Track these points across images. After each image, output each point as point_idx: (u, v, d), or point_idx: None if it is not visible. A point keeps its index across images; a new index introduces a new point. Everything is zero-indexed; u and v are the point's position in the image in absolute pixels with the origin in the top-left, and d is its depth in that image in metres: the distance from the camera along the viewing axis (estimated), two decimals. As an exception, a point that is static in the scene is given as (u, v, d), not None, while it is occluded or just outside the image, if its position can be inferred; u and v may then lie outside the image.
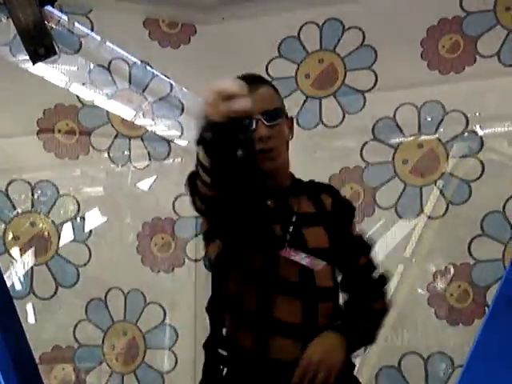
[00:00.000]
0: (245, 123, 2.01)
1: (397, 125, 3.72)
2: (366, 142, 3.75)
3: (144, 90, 4.01)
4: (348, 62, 3.80)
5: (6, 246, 3.79)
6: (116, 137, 3.98)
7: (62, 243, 3.87)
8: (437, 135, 3.65)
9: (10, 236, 3.80)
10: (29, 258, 3.82)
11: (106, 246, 3.92)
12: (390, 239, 3.67)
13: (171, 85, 4.03)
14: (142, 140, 4.02)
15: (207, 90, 1.80)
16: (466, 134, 3.61)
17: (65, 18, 3.87)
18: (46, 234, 3.85)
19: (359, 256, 2.41)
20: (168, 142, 4.04)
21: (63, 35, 3.85)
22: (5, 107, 3.85)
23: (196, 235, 3.98)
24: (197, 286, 4.02)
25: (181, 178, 4.00)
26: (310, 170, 3.49)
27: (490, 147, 3.59)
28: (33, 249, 3.83)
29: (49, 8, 3.64)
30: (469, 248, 3.52)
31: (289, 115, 2.44)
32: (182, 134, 4.06)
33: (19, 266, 3.81)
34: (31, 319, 3.81)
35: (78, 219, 3.90)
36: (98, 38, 3.95)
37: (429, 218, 3.62)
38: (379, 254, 3.52)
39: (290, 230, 2.28)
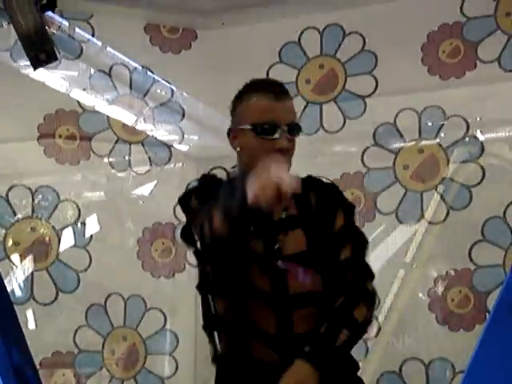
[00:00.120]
0: (269, 130, 2.20)
1: (397, 130, 3.72)
2: (367, 148, 3.75)
3: (145, 96, 4.01)
4: (348, 67, 3.80)
5: (6, 251, 3.79)
6: (117, 142, 3.98)
7: (62, 248, 3.87)
8: (437, 140, 3.65)
9: (11, 241, 3.80)
10: (29, 263, 3.82)
11: (106, 251, 3.92)
12: (390, 244, 3.66)
13: (172, 90, 4.04)
14: (143, 145, 4.02)
15: (263, 180, 1.87)
16: (466, 139, 3.61)
17: (66, 23, 3.87)
18: (46, 239, 3.85)
19: (340, 249, 2.25)
20: (169, 147, 4.04)
21: (64, 41, 3.85)
22: (6, 112, 3.85)
23: (197, 240, 3.98)
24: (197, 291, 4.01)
25: (181, 183, 4.03)
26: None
27: (491, 152, 3.59)
28: (33, 254, 3.83)
29: (50, 14, 3.65)
30: (469, 253, 3.52)
31: None
32: (182, 139, 4.06)
33: (19, 272, 3.81)
34: (31, 324, 3.80)
35: (79, 224, 3.90)
36: (99, 43, 3.96)
37: (429, 223, 3.62)
38: (380, 259, 3.53)
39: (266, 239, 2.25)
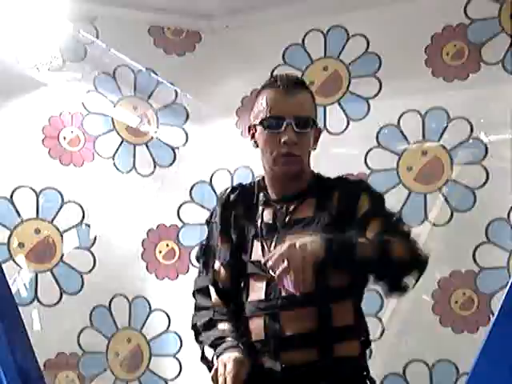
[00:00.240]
0: (275, 124, 2.21)
1: (401, 132, 3.72)
2: (371, 149, 3.75)
3: (149, 97, 4.02)
4: (352, 69, 3.81)
5: (10, 252, 3.80)
6: (121, 144, 3.99)
7: (66, 250, 3.87)
8: (441, 142, 3.64)
9: (15, 243, 3.80)
10: (33, 264, 3.82)
11: (110, 253, 3.93)
12: (394, 246, 3.65)
13: (176, 92, 4.05)
14: (147, 147, 4.03)
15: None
16: (470, 140, 3.61)
17: (70, 25, 3.88)
18: (50, 240, 3.86)
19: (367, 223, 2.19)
20: (173, 149, 4.05)
21: (69, 43, 3.87)
22: (11, 114, 3.86)
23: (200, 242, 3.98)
24: (201, 293, 4.01)
25: (186, 185, 4.03)
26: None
27: (495, 154, 3.59)
28: (37, 256, 3.83)
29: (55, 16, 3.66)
30: (473, 255, 3.52)
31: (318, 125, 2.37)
32: (186, 141, 4.06)
33: (24, 273, 3.81)
34: (36, 326, 3.80)
35: (83, 226, 3.91)
36: (104, 45, 3.97)
37: (433, 225, 3.62)
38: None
39: (274, 239, 2.24)
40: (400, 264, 2.13)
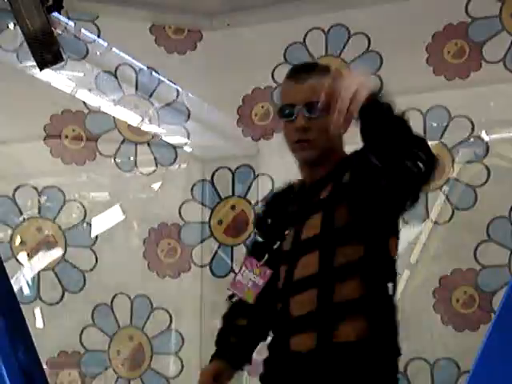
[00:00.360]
0: (288, 112, 2.22)
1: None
2: (372, 148, 3.75)
3: (150, 96, 4.02)
4: (354, 67, 3.80)
5: (13, 251, 3.80)
6: (122, 142, 3.99)
7: (68, 249, 3.88)
8: (442, 141, 3.64)
9: (17, 241, 3.81)
10: (35, 263, 3.83)
11: (112, 251, 3.93)
12: (395, 245, 3.66)
13: (177, 91, 4.05)
14: (149, 146, 4.03)
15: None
16: (471, 139, 3.61)
17: (72, 24, 3.89)
18: (52, 239, 3.86)
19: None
20: (174, 147, 4.05)
21: (70, 41, 3.86)
22: (12, 113, 3.87)
23: (202, 241, 3.99)
24: (203, 291, 4.02)
25: (187, 183, 4.04)
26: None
27: (496, 153, 3.59)
28: (39, 254, 3.84)
29: (56, 14, 3.65)
30: (475, 253, 3.52)
31: None
32: (188, 139, 4.07)
33: (26, 271, 3.82)
34: (38, 324, 3.81)
35: (85, 225, 3.92)
36: (105, 44, 3.97)
37: (434, 223, 3.62)
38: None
39: (295, 228, 2.27)
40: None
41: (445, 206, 3.61)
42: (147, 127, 4.03)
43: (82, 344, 3.87)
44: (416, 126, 3.64)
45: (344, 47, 3.83)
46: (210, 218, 3.98)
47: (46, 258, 3.85)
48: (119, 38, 3.99)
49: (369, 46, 3.77)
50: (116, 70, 3.97)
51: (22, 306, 2.54)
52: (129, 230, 3.99)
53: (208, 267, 3.97)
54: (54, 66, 3.59)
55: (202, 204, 4.01)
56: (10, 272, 3.00)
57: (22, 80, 3.83)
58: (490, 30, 3.58)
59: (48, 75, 3.82)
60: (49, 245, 3.85)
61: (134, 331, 3.94)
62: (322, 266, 2.16)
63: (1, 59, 3.84)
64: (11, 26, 3.68)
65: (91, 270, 3.88)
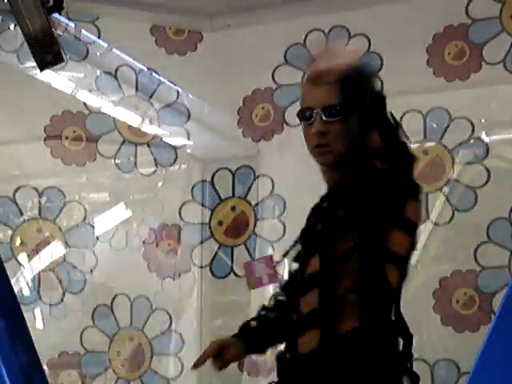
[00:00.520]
0: (307, 116, 2.19)
1: (402, 131, 3.71)
2: (372, 149, 3.75)
3: (151, 97, 4.02)
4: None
5: (13, 252, 3.81)
6: (123, 143, 3.99)
7: (68, 249, 3.88)
8: (442, 142, 3.64)
9: (18, 242, 3.81)
10: (36, 264, 3.83)
11: (112, 252, 3.93)
12: (395, 246, 3.66)
13: (178, 91, 4.05)
14: (149, 146, 4.03)
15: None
16: (471, 140, 3.61)
17: (72, 25, 3.89)
18: (52, 240, 3.86)
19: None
20: (174, 148, 4.05)
21: (70, 42, 3.87)
22: (13, 114, 3.87)
23: (202, 242, 3.99)
24: (203, 292, 4.02)
25: (187, 184, 4.04)
26: (317, 177, 3.51)
27: (496, 154, 3.59)
28: (40, 255, 3.84)
29: (56, 16, 3.66)
30: (475, 255, 3.52)
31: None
32: (188, 140, 4.07)
33: (26, 272, 3.82)
34: (38, 325, 3.82)
35: (85, 225, 3.92)
36: (105, 45, 3.97)
37: (435, 224, 3.62)
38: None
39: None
40: None
41: (445, 207, 3.61)
42: (147, 128, 4.03)
43: (82, 345, 3.87)
44: (416, 127, 3.68)
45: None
46: (210, 219, 3.98)
47: (46, 258, 3.85)
48: (119, 38, 4.00)
49: (369, 47, 3.77)
50: (116, 71, 3.97)
51: (22, 306, 2.55)
52: (129, 230, 3.99)
53: (208, 268, 3.97)
54: (55, 67, 3.60)
55: (202, 205, 4.01)
56: (10, 273, 3.01)
57: (23, 81, 3.84)
58: (490, 32, 3.58)
59: (48, 76, 3.82)
60: (49, 246, 3.86)
61: (134, 332, 3.94)
62: (323, 264, 2.16)
63: (1, 60, 3.84)
64: (12, 26, 3.68)
65: (91, 270, 3.88)
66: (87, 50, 3.94)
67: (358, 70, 2.22)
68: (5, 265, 2.48)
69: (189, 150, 4.09)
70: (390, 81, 3.73)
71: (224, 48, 4.03)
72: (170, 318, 3.96)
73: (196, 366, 2.33)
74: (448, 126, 3.63)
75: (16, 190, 3.83)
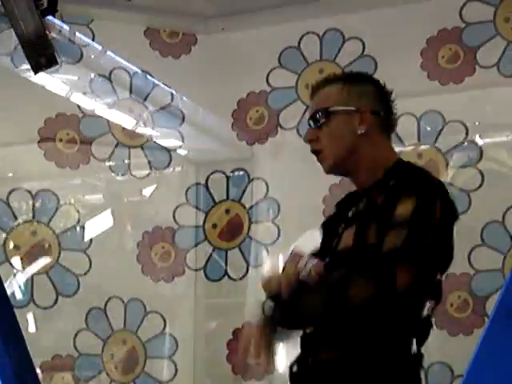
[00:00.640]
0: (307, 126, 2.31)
1: (396, 134, 3.71)
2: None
3: (145, 100, 4.02)
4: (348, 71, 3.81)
5: (6, 254, 3.80)
6: (116, 146, 3.99)
7: (62, 252, 3.87)
8: (436, 145, 3.65)
9: (11, 245, 3.81)
10: (29, 267, 3.82)
11: (106, 255, 3.93)
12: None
13: (172, 94, 4.05)
14: (143, 149, 4.03)
15: None
16: (465, 143, 3.62)
17: (66, 27, 3.89)
18: (46, 243, 3.86)
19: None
20: (168, 151, 4.05)
21: (64, 45, 3.86)
22: (6, 116, 3.86)
23: (196, 245, 3.99)
24: (197, 295, 4.02)
25: (181, 187, 4.04)
26: (311, 180, 3.52)
27: (490, 157, 3.60)
28: (33, 258, 3.83)
29: (50, 18, 3.66)
30: (468, 258, 3.52)
31: (358, 108, 2.26)
32: (182, 143, 4.07)
33: (20, 275, 3.81)
34: (32, 328, 3.81)
35: (79, 228, 3.91)
36: (99, 47, 3.97)
37: (429, 227, 3.62)
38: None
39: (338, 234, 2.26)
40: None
41: (439, 211, 3.61)
42: (141, 131, 4.03)
43: (75, 348, 3.86)
44: (410, 130, 3.69)
45: (339, 52, 3.84)
46: (204, 222, 3.98)
47: (39, 261, 3.84)
48: (114, 41, 4.00)
49: (363, 51, 3.78)
50: (110, 74, 3.97)
51: (15, 309, 2.53)
52: (123, 233, 3.99)
53: (202, 271, 3.97)
54: (49, 70, 3.60)
55: (197, 208, 4.01)
56: (3, 276, 3.01)
57: (17, 83, 3.83)
58: (484, 35, 3.59)
59: (42, 78, 3.82)
60: (43, 248, 3.85)
61: (127, 335, 3.94)
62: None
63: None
64: (6, 29, 3.67)
65: (85, 273, 3.88)
66: (81, 53, 3.93)
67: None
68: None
69: (183, 153, 4.09)
70: (384, 84, 3.75)
71: (218, 51, 4.03)
72: (164, 320, 3.96)
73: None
74: (442, 129, 3.64)
75: (9, 193, 3.82)
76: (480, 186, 3.55)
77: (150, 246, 3.99)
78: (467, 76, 3.63)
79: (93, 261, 3.88)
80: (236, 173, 3.99)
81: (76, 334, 3.86)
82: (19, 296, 3.81)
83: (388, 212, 2.08)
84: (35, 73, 3.57)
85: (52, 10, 3.57)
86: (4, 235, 3.79)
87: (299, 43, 3.90)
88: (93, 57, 3.96)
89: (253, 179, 3.95)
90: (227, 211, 3.98)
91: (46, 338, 3.79)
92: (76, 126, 3.94)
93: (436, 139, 3.66)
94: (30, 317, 3.79)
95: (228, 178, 4.01)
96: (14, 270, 3.79)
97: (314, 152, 2.30)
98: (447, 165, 3.62)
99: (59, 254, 3.87)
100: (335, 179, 3.70)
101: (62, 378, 3.87)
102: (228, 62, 4.00)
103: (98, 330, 3.90)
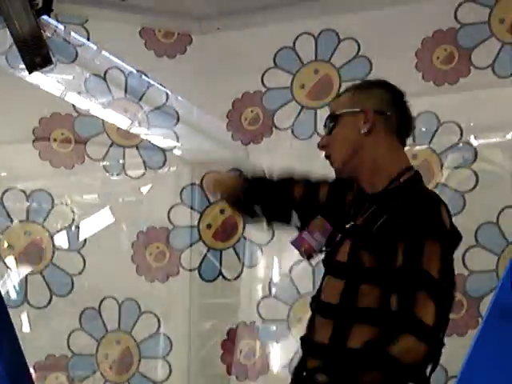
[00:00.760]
0: None
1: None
2: (361, 152, 3.75)
3: (140, 100, 4.02)
4: (343, 72, 3.81)
5: (0, 254, 3.79)
6: (111, 146, 3.99)
7: (56, 252, 3.87)
8: (431, 146, 3.65)
9: (5, 245, 3.80)
10: (23, 266, 3.82)
11: (100, 255, 3.93)
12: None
13: (167, 94, 4.04)
14: (138, 149, 4.02)
15: None
16: (460, 144, 3.62)
17: (61, 27, 3.88)
18: (40, 242, 3.85)
19: (391, 293, 2.06)
20: (163, 151, 4.05)
21: (59, 45, 3.86)
22: (1, 116, 3.86)
23: (191, 245, 3.98)
24: (191, 295, 4.02)
25: (176, 187, 4.03)
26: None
27: (484, 158, 3.60)
28: (27, 258, 3.83)
29: (45, 18, 3.66)
30: (463, 259, 3.52)
31: (362, 109, 2.26)
32: (177, 143, 4.06)
33: (14, 275, 3.81)
34: (25, 328, 3.81)
35: (73, 228, 3.91)
36: (94, 47, 3.97)
37: (423, 228, 3.62)
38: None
39: (337, 239, 2.26)
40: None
41: (433, 211, 3.61)
42: (136, 130, 4.03)
43: (69, 348, 3.86)
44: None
45: (334, 52, 3.84)
46: (198, 222, 3.98)
47: (33, 261, 3.84)
48: (109, 41, 3.99)
49: (358, 51, 3.78)
50: (105, 74, 3.97)
51: (9, 309, 2.53)
52: (117, 233, 3.99)
53: (197, 271, 3.97)
54: (44, 69, 3.60)
55: (191, 208, 4.01)
56: (-3, 275, 3.01)
57: (11, 83, 3.83)
58: (479, 36, 3.59)
59: (37, 78, 3.81)
60: (37, 248, 3.84)
61: (121, 335, 3.93)
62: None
63: (-10, 62, 3.83)
64: (1, 28, 3.66)
65: (79, 273, 3.87)
66: (76, 53, 3.93)
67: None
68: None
69: (178, 153, 4.09)
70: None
71: (213, 51, 4.03)
72: (159, 321, 3.95)
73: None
74: (437, 130, 3.64)
75: (4, 193, 3.82)
76: (474, 186, 3.55)
77: (145, 246, 3.99)
78: (462, 77, 3.63)
79: (87, 261, 3.88)
80: (231, 172, 3.99)
81: (70, 334, 3.86)
82: (13, 296, 3.80)
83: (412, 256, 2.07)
84: (30, 72, 3.57)
85: (47, 9, 3.57)
86: (-2, 235, 3.79)
87: (294, 43, 3.90)
88: (88, 56, 3.96)
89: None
90: (222, 211, 3.97)
91: (39, 337, 3.78)
92: (71, 125, 3.94)
93: (431, 140, 3.65)
94: (23, 317, 3.79)
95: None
96: (8, 270, 3.78)
97: (327, 158, 2.34)
98: (442, 165, 3.62)
99: (53, 253, 3.87)
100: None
101: (56, 378, 3.87)
102: (223, 62, 3.99)
103: (92, 330, 3.89)
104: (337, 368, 2.05)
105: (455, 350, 3.31)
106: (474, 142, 3.60)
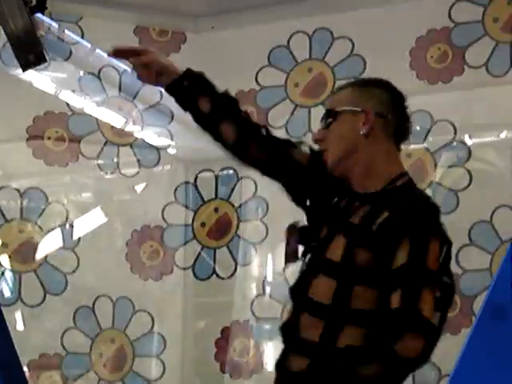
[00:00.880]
0: None
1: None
2: (355, 151, 3.76)
3: (134, 98, 4.01)
4: (337, 71, 3.81)
5: (-6, 253, 3.79)
6: (105, 144, 3.98)
7: (50, 250, 3.86)
8: (425, 145, 3.66)
9: (-1, 243, 3.80)
10: (17, 265, 3.81)
11: (94, 253, 3.92)
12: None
13: (161, 92, 4.03)
14: (132, 147, 4.02)
15: None
16: (454, 143, 3.63)
17: (55, 25, 3.88)
18: (34, 241, 3.85)
19: (390, 292, 2.04)
20: (157, 149, 4.04)
21: (53, 43, 3.85)
22: (-6, 114, 3.86)
23: (185, 243, 3.98)
24: (185, 293, 4.02)
25: (170, 185, 4.03)
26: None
27: (478, 157, 3.61)
28: (21, 256, 3.82)
29: (39, 15, 3.64)
30: (456, 258, 3.53)
31: (363, 109, 2.22)
32: (171, 141, 4.06)
33: (7, 273, 3.80)
34: (19, 326, 3.80)
35: (67, 226, 3.90)
36: (88, 45, 3.96)
37: (417, 227, 3.62)
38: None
39: (325, 233, 2.20)
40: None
41: (427, 210, 3.61)
42: (130, 129, 4.02)
43: (63, 346, 3.86)
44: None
45: (328, 51, 3.84)
46: (193, 221, 3.98)
47: (27, 259, 3.83)
48: (103, 39, 3.98)
49: (352, 50, 3.78)
50: (99, 72, 3.96)
51: (3, 307, 2.53)
52: (111, 232, 3.98)
53: (191, 270, 3.97)
54: (37, 67, 3.58)
55: (185, 206, 4.01)
56: (-9, 274, 3.00)
57: (5, 81, 3.82)
58: (473, 35, 3.60)
59: (31, 76, 3.81)
60: (30, 247, 3.84)
61: (115, 333, 3.93)
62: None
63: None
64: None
65: (73, 272, 3.87)
66: (70, 51, 3.93)
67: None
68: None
69: (172, 152, 4.09)
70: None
71: (208, 49, 4.03)
72: (153, 319, 3.95)
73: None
74: (430, 129, 3.64)
75: (-3, 191, 3.82)
76: (468, 185, 3.56)
77: (139, 244, 3.99)
78: (456, 76, 3.63)
79: (81, 259, 3.88)
80: (225, 171, 3.99)
81: (64, 333, 3.85)
82: (7, 294, 3.80)
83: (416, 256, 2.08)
84: (24, 70, 3.53)
85: (41, 7, 3.55)
86: (-8, 233, 3.79)
87: (288, 42, 3.90)
88: (82, 55, 3.95)
89: (241, 178, 3.94)
90: (216, 210, 3.98)
91: (33, 336, 3.78)
92: (65, 124, 3.93)
93: (425, 139, 3.66)
94: (17, 315, 3.78)
95: (217, 176, 4.01)
96: (2, 268, 3.78)
97: (321, 153, 2.29)
98: (435, 164, 3.63)
99: (47, 252, 3.86)
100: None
101: (50, 377, 3.86)
102: (217, 61, 3.99)
103: (86, 329, 3.89)
104: (333, 366, 2.05)
105: (448, 349, 3.33)
106: (468, 141, 3.60)
